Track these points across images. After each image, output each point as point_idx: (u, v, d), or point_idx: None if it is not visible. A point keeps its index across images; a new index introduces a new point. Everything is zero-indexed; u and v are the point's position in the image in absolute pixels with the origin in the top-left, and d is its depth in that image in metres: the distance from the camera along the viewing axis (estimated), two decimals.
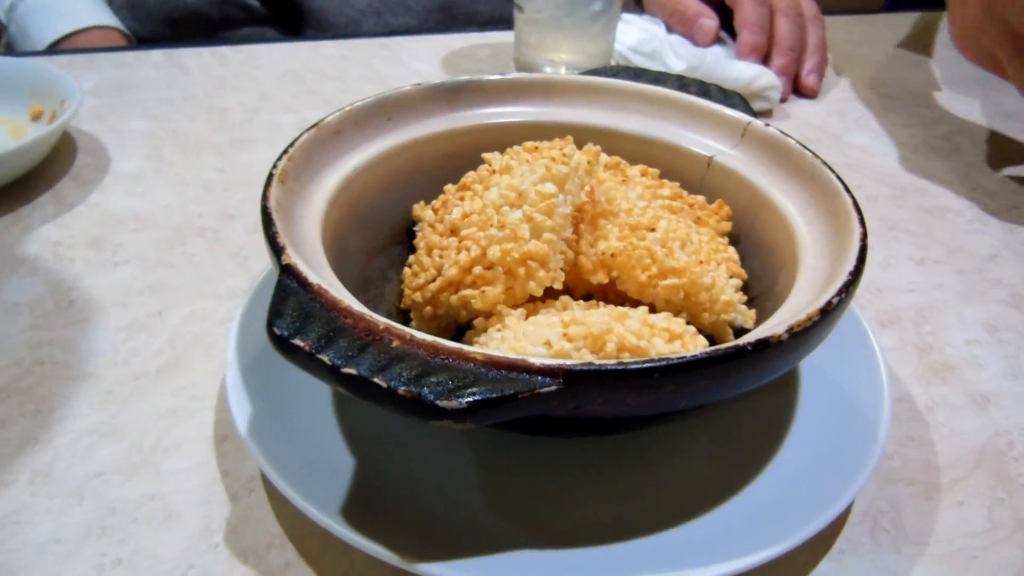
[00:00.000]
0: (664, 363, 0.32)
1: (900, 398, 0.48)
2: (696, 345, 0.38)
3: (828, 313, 0.35)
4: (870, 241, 0.63)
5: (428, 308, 0.42)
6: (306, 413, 0.42)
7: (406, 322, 0.45)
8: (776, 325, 0.34)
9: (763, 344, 0.33)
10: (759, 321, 0.44)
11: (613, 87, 0.56)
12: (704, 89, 0.56)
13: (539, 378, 0.31)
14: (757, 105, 0.80)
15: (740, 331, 0.44)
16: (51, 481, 0.41)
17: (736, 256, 0.47)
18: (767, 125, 0.51)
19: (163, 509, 0.40)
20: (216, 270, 0.57)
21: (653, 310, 0.43)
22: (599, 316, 0.38)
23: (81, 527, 0.39)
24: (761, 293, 0.47)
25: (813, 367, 0.46)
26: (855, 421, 0.42)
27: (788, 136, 0.49)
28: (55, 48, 1.05)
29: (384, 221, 0.50)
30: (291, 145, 0.46)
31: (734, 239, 0.50)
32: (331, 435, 0.41)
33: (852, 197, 0.44)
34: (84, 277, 0.55)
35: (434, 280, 0.42)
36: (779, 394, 0.45)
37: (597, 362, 0.32)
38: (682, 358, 0.32)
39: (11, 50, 1.13)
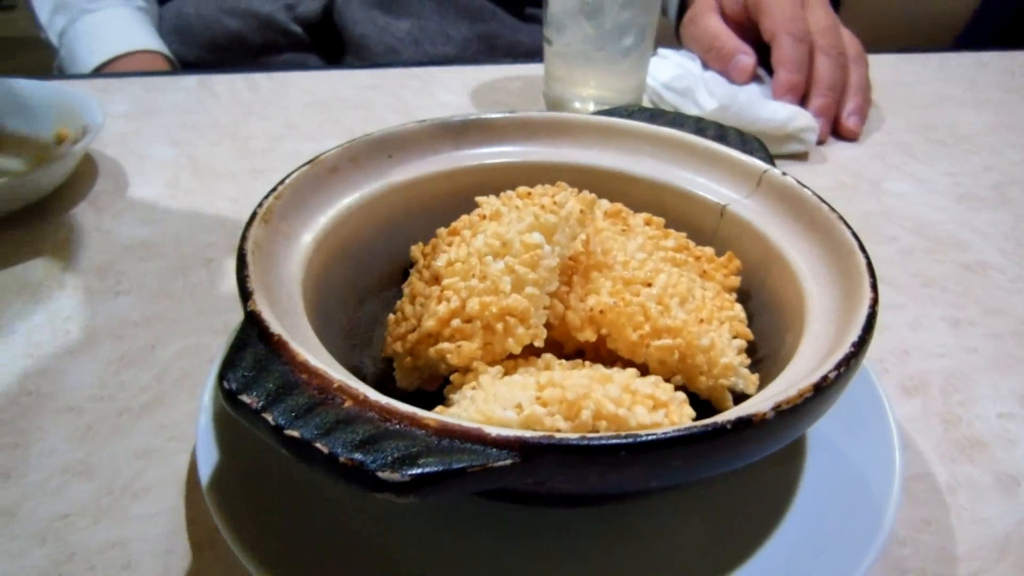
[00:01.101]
0: (631, 440, 0.29)
1: (919, 476, 0.44)
2: (682, 416, 0.35)
3: (823, 390, 0.32)
4: (901, 299, 0.60)
5: (408, 359, 0.40)
6: (276, 465, 0.40)
7: (391, 370, 0.43)
8: (762, 401, 0.32)
9: (744, 423, 0.30)
10: (762, 387, 0.41)
11: (625, 128, 0.54)
12: (722, 133, 0.54)
13: (493, 451, 0.29)
14: (792, 148, 0.77)
15: (741, 396, 0.41)
16: (16, 520, 0.40)
17: (743, 315, 0.44)
18: (784, 174, 0.48)
19: (123, 557, 0.39)
20: (215, 304, 0.56)
21: (646, 371, 0.40)
22: (578, 379, 0.36)
23: (37, 572, 0.38)
24: (768, 356, 0.44)
25: (822, 436, 0.43)
26: (861, 503, 0.39)
27: (805, 187, 0.46)
28: (99, 72, 1.07)
29: (379, 262, 0.49)
30: (282, 182, 0.45)
31: (745, 295, 0.47)
32: (299, 493, 0.39)
33: (866, 257, 0.40)
34: (85, 306, 0.55)
35: (414, 330, 0.40)
36: (781, 466, 0.42)
37: (558, 436, 0.29)
38: (652, 436, 0.29)
39: (61, 73, 1.16)
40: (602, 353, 0.42)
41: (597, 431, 0.35)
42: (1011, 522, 0.42)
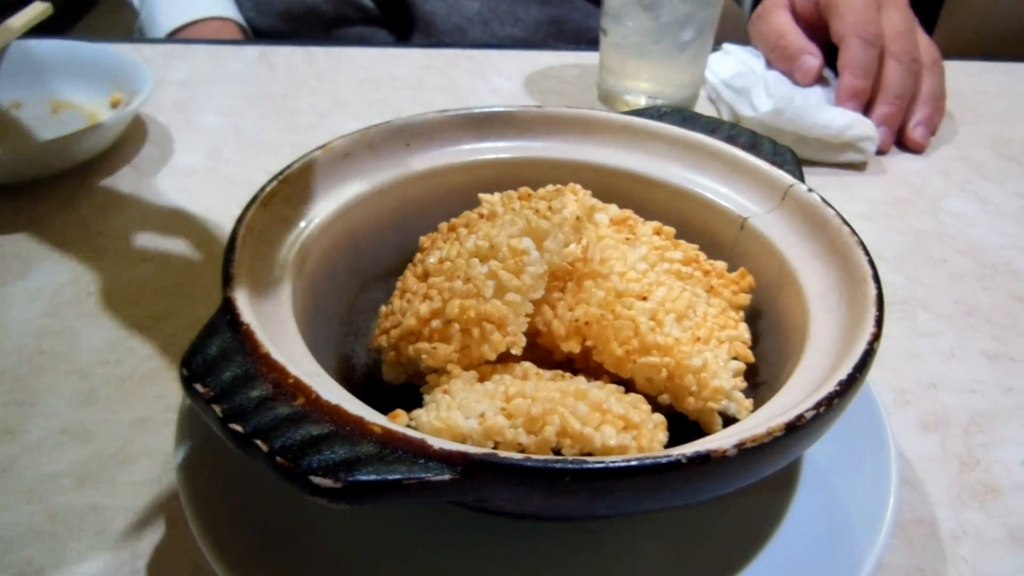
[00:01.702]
0: (576, 467, 0.28)
1: (921, 520, 0.42)
2: (652, 441, 0.34)
3: (796, 430, 0.30)
4: (939, 327, 0.57)
5: (392, 354, 0.40)
6: None
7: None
8: (726, 437, 0.30)
9: (701, 459, 0.29)
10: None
11: (653, 131, 0.52)
12: (755, 141, 0.51)
13: (433, 464, 0.28)
14: (848, 157, 0.73)
15: (731, 420, 0.39)
16: (8, 476, 0.42)
17: (747, 335, 0.42)
18: (810, 191, 0.45)
19: (100, 523, 0.40)
20: None
21: (632, 388, 0.39)
22: (550, 392, 0.35)
23: (19, 529, 0.39)
24: (768, 380, 0.42)
25: (816, 467, 0.41)
26: (842, 548, 0.37)
27: (829, 206, 0.44)
28: (173, 36, 1.10)
29: (387, 251, 0.48)
30: (289, 166, 0.45)
31: (756, 314, 0.45)
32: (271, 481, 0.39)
33: (878, 288, 0.38)
34: (109, 270, 0.56)
35: (399, 325, 0.40)
36: (766, 494, 0.40)
37: (501, 454, 0.29)
38: (599, 464, 0.28)
39: (141, 35, 1.19)
40: (591, 365, 0.41)
41: (560, 448, 0.34)
42: None
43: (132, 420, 0.45)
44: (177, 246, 0.59)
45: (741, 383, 0.40)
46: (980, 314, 0.57)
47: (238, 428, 0.29)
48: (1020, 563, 0.40)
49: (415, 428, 0.34)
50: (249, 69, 0.88)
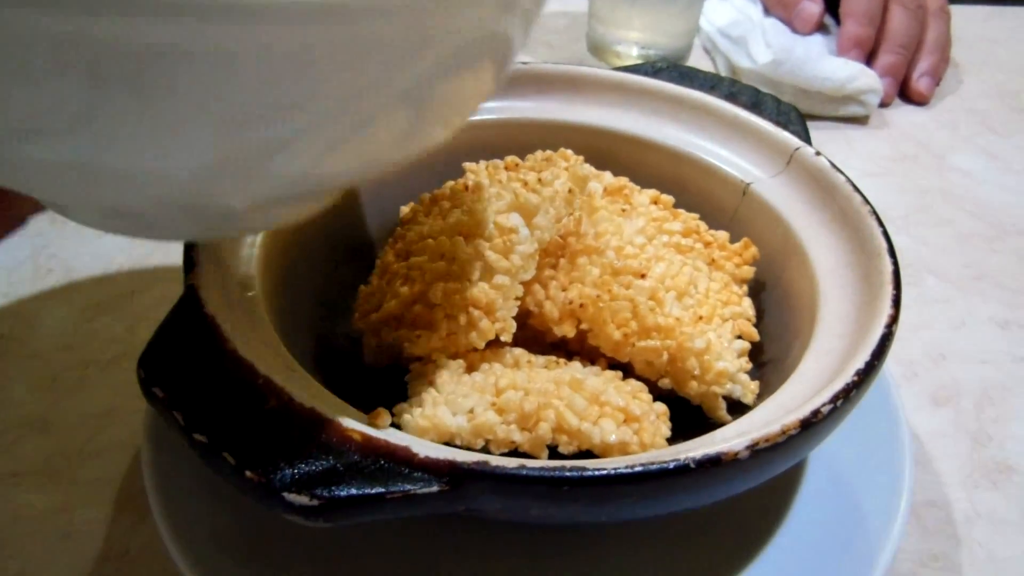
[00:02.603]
0: (575, 475, 0.26)
1: (934, 503, 0.40)
2: (654, 435, 0.32)
3: (812, 427, 0.28)
4: (948, 293, 0.54)
5: (372, 339, 0.37)
6: None
7: None
8: (736, 436, 0.28)
9: (712, 462, 0.26)
10: (762, 396, 0.37)
11: (649, 88, 0.48)
12: (757, 100, 0.48)
13: (419, 475, 0.26)
14: (851, 110, 0.70)
15: (736, 404, 0.37)
16: None
17: (751, 312, 0.40)
18: (817, 154, 0.42)
19: (66, 524, 0.37)
20: None
21: (631, 372, 0.37)
22: (544, 383, 0.32)
23: None
24: (774, 360, 0.39)
25: (824, 451, 0.39)
26: (857, 537, 0.35)
27: (839, 171, 0.41)
28: None
29: (364, 221, 0.45)
30: None
31: (759, 287, 0.42)
32: None
33: (894, 263, 0.35)
34: (70, 244, 0.53)
35: (379, 308, 0.37)
36: (771, 480, 0.38)
37: (493, 462, 0.26)
38: (600, 472, 0.26)
39: None
40: (586, 347, 0.38)
41: (556, 445, 0.31)
42: None
43: (97, 410, 0.43)
44: None
45: (746, 364, 0.38)
46: (989, 278, 0.54)
47: (202, 438, 0.26)
48: None
49: (400, 426, 0.31)
50: None
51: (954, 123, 0.72)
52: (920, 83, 0.74)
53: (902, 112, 0.73)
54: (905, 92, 0.75)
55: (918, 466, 0.41)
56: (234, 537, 0.34)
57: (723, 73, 0.75)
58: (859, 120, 0.71)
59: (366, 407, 0.30)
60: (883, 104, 0.73)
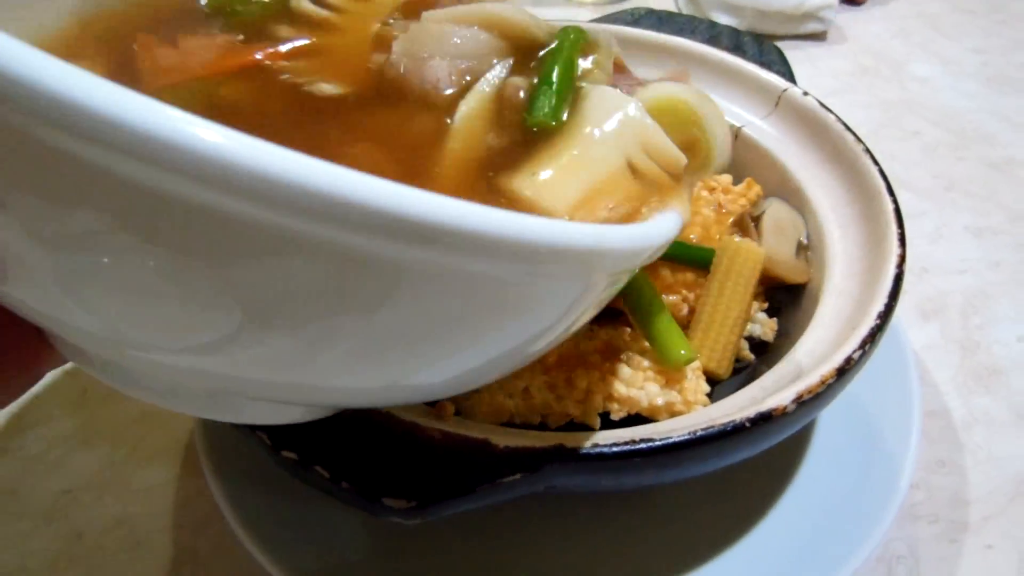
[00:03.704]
0: (646, 447, 0.28)
1: (935, 412, 0.43)
2: (696, 392, 0.34)
3: (846, 373, 0.31)
4: (922, 206, 0.57)
5: None
6: None
7: None
8: (780, 392, 0.30)
9: (764, 418, 0.29)
10: (780, 333, 0.40)
11: (632, 38, 0.49)
12: (737, 41, 0.49)
13: (502, 464, 0.28)
14: (810, 27, 0.71)
15: (758, 344, 0.39)
16: (17, 499, 0.40)
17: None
18: (805, 94, 0.44)
19: (131, 535, 0.38)
20: None
21: None
22: (589, 355, 0.34)
23: (49, 555, 0.37)
24: (784, 302, 0.41)
25: None
26: (877, 458, 0.38)
27: (828, 111, 0.43)
28: None
29: None
30: None
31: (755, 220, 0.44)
32: None
33: (895, 202, 0.38)
34: None
35: None
36: None
37: (569, 443, 0.28)
38: (667, 440, 0.28)
39: None
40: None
41: (608, 412, 0.33)
42: None
43: (135, 416, 0.43)
44: None
45: (762, 304, 0.40)
46: (959, 187, 0.57)
47: (291, 455, 0.28)
48: None
49: (464, 408, 0.33)
50: None
51: (907, 31, 0.74)
52: None
53: (858, 24, 0.75)
54: None
55: None
56: (303, 524, 0.35)
57: (682, 2, 0.76)
58: (818, 36, 0.73)
59: None
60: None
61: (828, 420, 0.40)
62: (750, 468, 0.38)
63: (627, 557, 0.35)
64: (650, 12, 0.51)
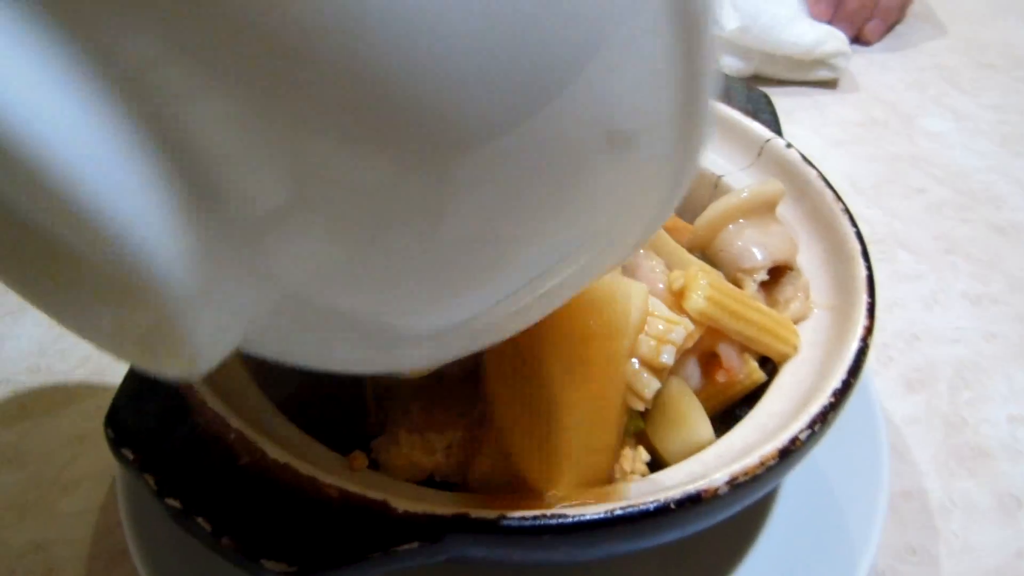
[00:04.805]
0: (556, 523, 0.26)
1: (909, 492, 0.40)
2: (634, 462, 0.31)
3: (790, 455, 0.28)
4: (920, 268, 0.54)
5: None
6: None
7: None
8: (715, 471, 0.27)
9: (692, 500, 0.27)
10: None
11: None
12: (727, 86, 0.47)
13: (398, 530, 0.26)
14: (820, 74, 0.69)
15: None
16: None
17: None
18: (788, 146, 0.42)
19: (44, 563, 0.37)
20: None
21: None
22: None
23: None
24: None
25: None
26: (838, 535, 0.35)
27: (811, 165, 0.40)
28: None
29: None
30: None
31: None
32: None
33: (868, 268, 0.35)
34: None
35: None
36: None
37: (473, 514, 0.26)
38: (580, 519, 0.26)
39: None
40: None
41: None
42: (1006, 553, 0.38)
43: (70, 437, 0.42)
44: None
45: None
46: (959, 250, 0.55)
47: (175, 503, 0.26)
48: (1009, 534, 0.39)
49: (381, 460, 0.31)
50: None
51: (921, 83, 0.72)
52: (868, 27, 0.74)
53: (871, 72, 0.73)
54: (859, 36, 0.75)
55: (893, 454, 0.42)
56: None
57: None
58: (828, 84, 0.70)
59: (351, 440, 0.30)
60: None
61: (792, 493, 0.37)
62: (700, 541, 0.35)
63: None
64: None
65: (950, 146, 0.64)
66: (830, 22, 0.71)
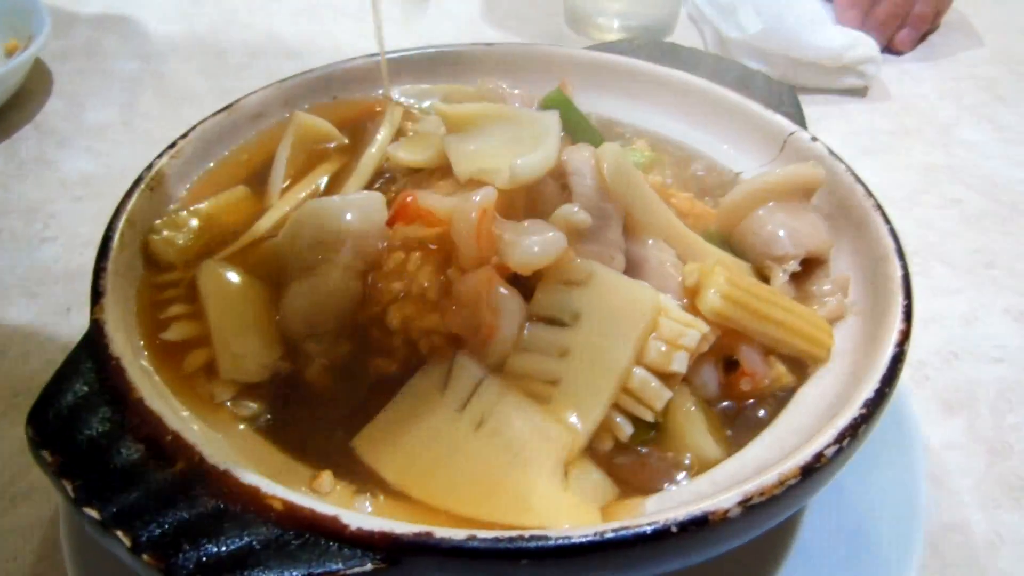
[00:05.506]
0: (535, 546, 0.22)
1: (952, 526, 0.36)
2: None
3: (814, 472, 0.24)
4: (957, 283, 0.50)
5: None
6: None
7: None
8: (727, 490, 0.23)
9: (696, 524, 0.22)
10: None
11: (628, 69, 0.44)
12: (745, 77, 0.43)
13: (349, 551, 0.22)
14: (848, 81, 0.65)
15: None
16: None
17: None
18: (813, 139, 0.38)
19: None
20: None
21: None
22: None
23: None
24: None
25: None
26: (870, 572, 0.31)
27: (838, 159, 0.37)
28: None
29: None
30: (184, 136, 0.37)
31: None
32: None
33: (904, 268, 0.31)
34: (3, 256, 0.49)
35: None
36: None
37: (437, 534, 0.22)
38: (565, 542, 0.22)
39: None
40: None
41: None
42: None
43: (24, 445, 0.38)
44: (82, 222, 0.52)
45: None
46: (1001, 264, 0.50)
47: (94, 513, 0.22)
48: None
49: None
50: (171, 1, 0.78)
51: (958, 93, 0.67)
52: (899, 36, 0.70)
53: (903, 81, 0.68)
54: (890, 45, 0.71)
55: (933, 483, 0.38)
56: None
57: (711, 45, 0.70)
58: (857, 91, 0.66)
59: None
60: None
61: (816, 524, 0.33)
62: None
63: None
64: (652, 42, 0.46)
65: (989, 156, 0.60)
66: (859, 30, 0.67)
